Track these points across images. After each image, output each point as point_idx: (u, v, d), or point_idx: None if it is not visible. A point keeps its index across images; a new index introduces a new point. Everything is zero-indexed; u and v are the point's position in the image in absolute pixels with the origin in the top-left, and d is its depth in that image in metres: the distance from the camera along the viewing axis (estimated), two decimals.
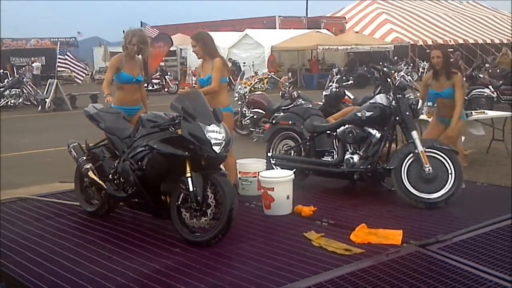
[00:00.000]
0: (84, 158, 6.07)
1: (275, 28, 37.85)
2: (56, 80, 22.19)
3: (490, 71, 21.68)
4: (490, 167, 9.36)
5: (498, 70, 19.84)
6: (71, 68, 22.64)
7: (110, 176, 5.71)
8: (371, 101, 6.75)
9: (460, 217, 5.72)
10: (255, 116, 12.84)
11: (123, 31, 7.07)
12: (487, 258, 4.55)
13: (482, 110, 11.03)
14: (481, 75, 18.98)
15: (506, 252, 4.68)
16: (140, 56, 7.01)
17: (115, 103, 6.69)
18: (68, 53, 22.34)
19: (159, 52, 25.71)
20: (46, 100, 21.78)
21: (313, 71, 31.83)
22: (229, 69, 6.94)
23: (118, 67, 6.72)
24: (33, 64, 36.39)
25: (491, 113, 10.75)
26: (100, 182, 5.82)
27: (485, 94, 15.61)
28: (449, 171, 6.08)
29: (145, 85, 25.90)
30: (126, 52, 6.72)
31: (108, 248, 5.01)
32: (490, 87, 16.49)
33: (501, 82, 17.69)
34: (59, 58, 21.85)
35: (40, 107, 21.75)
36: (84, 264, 4.63)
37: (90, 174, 5.91)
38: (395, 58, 34.83)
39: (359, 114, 6.57)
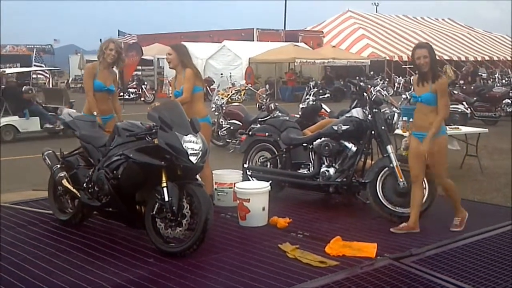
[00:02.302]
0: (58, 166, 6.02)
1: (253, 40, 37.96)
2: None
3: (464, 87, 21.98)
4: (463, 183, 9.44)
5: (472, 87, 20.14)
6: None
7: (85, 184, 5.66)
8: (347, 115, 6.80)
9: (433, 231, 5.77)
10: (231, 127, 12.83)
11: (100, 40, 7.02)
12: (460, 272, 4.60)
13: (456, 126, 11.17)
14: (455, 92, 19.23)
15: (478, 266, 4.74)
16: (115, 69, 6.97)
17: (84, 110, 6.65)
18: (43, 64, 22.22)
19: (132, 61, 25.63)
20: None
21: (288, 84, 31.72)
22: (202, 79, 6.93)
23: (94, 74, 6.64)
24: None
25: (465, 129, 10.89)
26: (74, 190, 5.78)
27: (459, 110, 15.80)
28: (423, 186, 6.13)
29: (121, 94, 25.84)
30: (102, 60, 6.67)
31: (81, 257, 4.96)
32: (464, 103, 16.72)
33: (475, 98, 17.95)
34: (34, 65, 21.65)
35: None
36: (56, 273, 4.57)
37: (64, 182, 5.86)
38: (371, 73, 35.17)
39: (335, 128, 6.62)
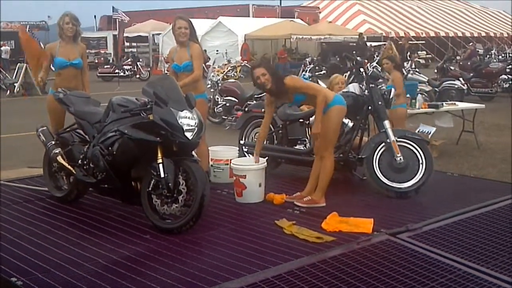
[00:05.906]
0: (53, 142, 5.98)
1: (249, 16, 37.76)
2: (25, 64, 21.78)
3: (461, 63, 21.93)
4: (459, 158, 9.47)
5: (468, 63, 20.07)
6: None
7: (80, 161, 5.61)
8: (344, 90, 6.75)
9: (430, 206, 5.77)
10: (227, 104, 12.80)
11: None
12: (456, 247, 4.59)
13: (453, 102, 11.17)
14: (452, 67, 19.20)
15: (474, 242, 4.74)
16: (81, 44, 6.89)
17: (53, 88, 6.59)
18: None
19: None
20: (15, 84, 21.43)
21: (279, 61, 31.10)
22: (204, 56, 6.89)
23: (51, 54, 6.66)
24: (1, 48, 35.60)
25: (462, 105, 10.91)
26: (69, 167, 5.74)
27: (456, 86, 15.78)
28: (420, 161, 6.12)
29: (116, 71, 25.67)
30: (62, 35, 6.63)
31: (77, 234, 4.94)
32: (461, 79, 16.68)
33: (471, 74, 17.93)
34: None
35: (8, 91, 21.38)
36: (52, 250, 4.55)
37: (59, 159, 5.82)
38: None
39: None
